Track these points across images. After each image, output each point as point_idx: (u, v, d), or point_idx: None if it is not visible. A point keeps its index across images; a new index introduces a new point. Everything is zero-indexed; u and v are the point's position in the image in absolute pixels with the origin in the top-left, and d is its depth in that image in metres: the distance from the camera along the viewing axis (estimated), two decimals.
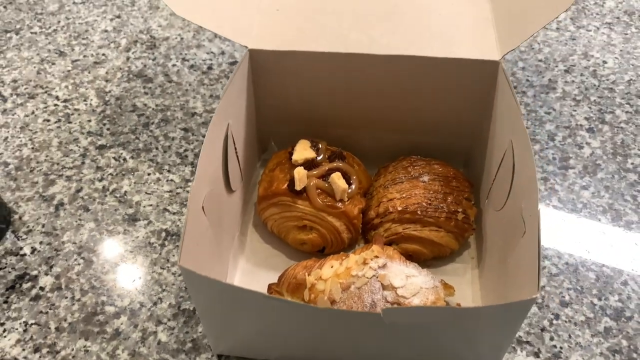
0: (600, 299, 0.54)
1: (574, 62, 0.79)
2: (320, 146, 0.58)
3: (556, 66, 0.78)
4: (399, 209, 0.54)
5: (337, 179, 0.54)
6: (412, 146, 0.62)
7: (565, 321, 0.53)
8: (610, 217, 0.61)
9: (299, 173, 0.54)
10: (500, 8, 0.57)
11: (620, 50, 0.80)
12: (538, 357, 0.50)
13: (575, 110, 0.72)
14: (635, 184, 0.64)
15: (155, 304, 0.54)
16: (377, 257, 0.49)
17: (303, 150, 0.57)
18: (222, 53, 0.81)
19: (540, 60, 0.79)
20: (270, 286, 0.53)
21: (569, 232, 0.59)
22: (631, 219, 0.61)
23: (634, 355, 0.50)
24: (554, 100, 0.74)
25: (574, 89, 0.75)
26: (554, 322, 0.52)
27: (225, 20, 0.56)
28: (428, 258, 0.56)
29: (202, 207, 0.45)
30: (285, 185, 0.55)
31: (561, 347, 0.51)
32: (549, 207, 0.62)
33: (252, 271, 0.56)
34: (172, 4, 0.52)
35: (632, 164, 0.66)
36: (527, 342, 0.51)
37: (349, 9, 0.59)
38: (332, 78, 0.57)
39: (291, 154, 0.57)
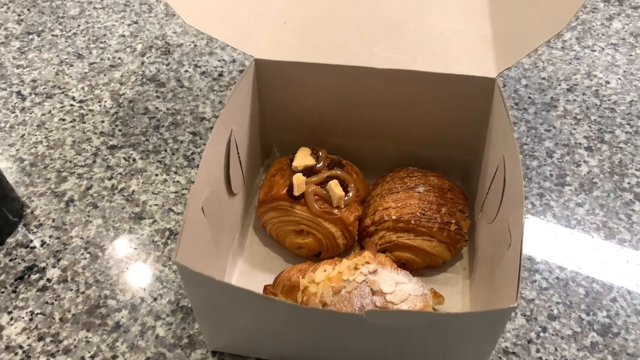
0: (588, 314, 0.55)
1: (576, 81, 0.80)
2: (320, 154, 0.60)
3: (559, 85, 0.80)
4: (394, 217, 0.56)
5: (334, 186, 0.56)
6: (411, 158, 0.64)
7: (552, 334, 0.54)
8: (603, 234, 0.62)
9: (298, 179, 0.56)
10: (499, 27, 0.59)
11: (624, 71, 0.81)
12: None
13: (575, 129, 0.73)
14: (630, 203, 0.65)
15: (155, 299, 0.56)
16: (368, 263, 0.50)
17: (303, 158, 0.59)
18: (233, 61, 0.84)
19: (543, 79, 0.81)
20: (265, 287, 0.55)
21: (562, 247, 0.61)
22: (624, 237, 0.62)
23: None
24: (554, 118, 0.75)
25: (575, 107, 0.76)
26: (541, 334, 0.54)
27: (234, 31, 0.58)
28: (420, 267, 0.57)
29: (202, 208, 0.47)
30: (285, 190, 0.57)
31: None
32: (543, 222, 0.63)
33: (249, 272, 0.58)
34: (183, 13, 0.55)
35: (628, 183, 0.67)
36: (513, 353, 0.52)
37: (354, 25, 0.61)
38: (334, 89, 0.60)
39: (292, 160, 0.59)
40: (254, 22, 0.60)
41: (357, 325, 0.39)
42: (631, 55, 0.84)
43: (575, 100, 0.77)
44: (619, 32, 0.88)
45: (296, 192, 0.56)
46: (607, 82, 0.80)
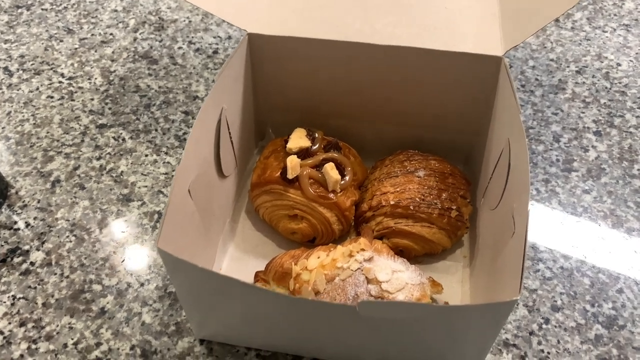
0: (593, 306, 0.53)
1: (586, 63, 0.77)
2: (316, 135, 0.57)
3: (567, 66, 0.76)
4: (392, 203, 0.54)
5: (330, 169, 0.53)
6: (412, 140, 0.61)
7: (555, 326, 0.51)
8: (610, 222, 0.59)
9: (292, 162, 0.53)
10: (507, 3, 0.56)
11: (636, 53, 0.78)
12: None
13: (583, 112, 0.70)
14: (639, 190, 0.62)
15: (142, 285, 0.54)
16: (363, 250, 0.48)
17: (298, 139, 0.56)
18: (229, 37, 0.80)
19: (551, 60, 0.77)
20: (257, 274, 0.52)
21: (567, 235, 0.58)
22: (632, 226, 0.59)
23: None
24: (562, 101, 0.72)
25: (584, 90, 0.73)
26: (544, 326, 0.51)
27: (227, 3, 0.55)
28: (419, 254, 0.55)
29: (189, 191, 0.45)
30: (278, 173, 0.54)
31: (549, 352, 0.50)
32: (548, 209, 0.60)
33: (240, 258, 0.56)
34: None
35: (638, 170, 0.64)
36: (514, 345, 0.50)
37: None
38: (332, 67, 0.57)
39: (287, 142, 0.57)
40: None
41: (350, 317, 0.37)
42: None
43: (584, 82, 0.74)
44: (632, 12, 0.85)
45: (290, 175, 0.53)
46: (619, 65, 0.77)
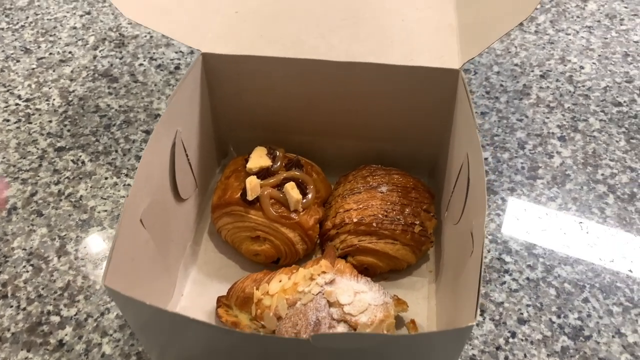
0: (559, 317, 0.53)
1: (550, 67, 0.77)
2: (277, 154, 0.56)
3: (532, 71, 0.76)
4: (355, 220, 0.53)
5: (290, 189, 0.52)
6: (375, 154, 0.60)
7: (522, 339, 0.51)
8: (576, 230, 0.59)
9: (251, 182, 0.52)
10: (464, 15, 0.55)
11: (599, 55, 0.78)
12: None
13: (548, 118, 0.70)
14: (603, 196, 0.62)
15: (102, 314, 0.53)
16: (324, 272, 0.47)
17: (258, 158, 0.55)
18: (192, 52, 0.79)
19: (516, 65, 0.77)
20: (219, 299, 0.51)
21: (532, 245, 0.58)
22: (597, 234, 0.59)
23: None
24: (527, 106, 0.72)
25: (548, 95, 0.73)
26: (510, 340, 0.51)
27: (179, 24, 0.54)
28: (384, 271, 0.54)
29: (141, 220, 0.44)
30: (239, 194, 0.53)
31: None
32: (514, 219, 0.60)
33: (203, 281, 0.55)
34: (120, 5, 0.50)
35: (602, 174, 0.64)
36: None
37: (310, 15, 0.57)
38: (290, 84, 0.56)
39: (247, 160, 0.56)
40: (202, 14, 0.56)
41: (307, 349, 0.36)
42: (606, 38, 0.81)
43: (548, 87, 0.74)
44: (594, 13, 0.85)
45: (250, 197, 0.52)
46: (582, 67, 0.77)
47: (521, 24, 0.83)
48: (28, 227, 0.59)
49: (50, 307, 0.53)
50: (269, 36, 0.55)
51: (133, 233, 0.42)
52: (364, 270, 0.53)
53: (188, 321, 0.35)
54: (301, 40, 0.54)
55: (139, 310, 0.37)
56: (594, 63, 0.77)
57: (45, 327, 0.52)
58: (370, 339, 0.34)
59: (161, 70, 0.76)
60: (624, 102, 0.72)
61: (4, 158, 0.65)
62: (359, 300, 0.46)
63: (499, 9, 0.52)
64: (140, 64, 0.77)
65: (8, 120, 0.70)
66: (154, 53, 0.79)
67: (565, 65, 0.77)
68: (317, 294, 0.46)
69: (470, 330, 0.35)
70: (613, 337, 0.51)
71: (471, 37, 0.53)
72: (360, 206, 0.54)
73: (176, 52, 0.79)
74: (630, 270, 0.56)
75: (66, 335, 0.51)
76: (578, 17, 0.85)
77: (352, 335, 0.37)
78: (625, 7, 0.86)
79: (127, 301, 0.36)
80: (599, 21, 0.84)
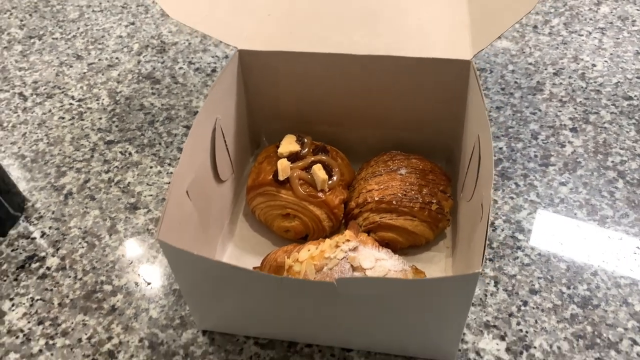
0: (569, 288, 0.56)
1: (563, 65, 0.81)
2: (305, 140, 0.62)
3: (545, 69, 0.81)
4: (376, 199, 0.58)
5: (317, 170, 0.58)
6: (395, 142, 0.65)
7: (533, 307, 0.55)
8: (586, 211, 0.63)
9: (282, 164, 0.58)
10: (475, 11, 0.60)
11: (611, 54, 0.82)
12: (504, 340, 0.53)
13: (560, 111, 0.74)
14: (613, 181, 0.66)
15: (149, 284, 0.58)
16: (348, 240, 0.52)
17: (288, 144, 0.61)
18: (226, 57, 0.86)
19: (530, 64, 0.82)
20: (254, 269, 0.57)
21: (545, 225, 0.62)
22: (606, 214, 0.63)
23: (597, 340, 0.52)
24: (540, 101, 0.76)
25: (561, 90, 0.77)
26: (522, 308, 0.55)
27: (217, 23, 0.60)
28: (404, 246, 0.59)
29: (187, 192, 0.50)
30: (271, 176, 0.59)
31: (527, 332, 0.53)
32: (527, 202, 0.64)
33: (239, 256, 0.60)
34: (165, 5, 0.57)
35: (612, 162, 0.68)
36: (494, 326, 0.54)
37: (334, 15, 0.63)
38: (317, 77, 0.62)
39: (278, 147, 0.61)
40: (237, 15, 0.62)
41: (331, 295, 0.41)
42: (618, 39, 0.85)
43: (561, 83, 0.78)
44: (607, 16, 0.89)
45: (281, 177, 0.58)
46: (594, 65, 0.81)
47: (535, 26, 0.88)
48: (83, 209, 0.66)
49: (103, 278, 0.59)
50: (297, 34, 0.61)
51: (180, 202, 0.48)
52: (386, 246, 0.58)
53: (232, 269, 0.40)
54: (326, 37, 0.60)
55: (188, 261, 0.43)
56: (605, 61, 0.81)
57: (99, 294, 0.58)
58: (389, 284, 0.39)
59: (199, 72, 0.83)
60: (635, 96, 0.76)
61: (60, 150, 0.73)
62: (380, 265, 0.51)
63: (504, 3, 0.57)
64: (180, 68, 0.84)
65: (63, 118, 0.77)
66: (192, 58, 0.86)
67: (578, 64, 0.81)
68: (342, 259, 0.51)
69: (477, 276, 0.39)
70: (620, 306, 0.54)
71: (481, 30, 0.58)
72: (381, 187, 0.59)
73: (212, 57, 0.86)
74: (638, 247, 0.59)
75: (117, 301, 0.57)
76: (591, 19, 0.89)
77: (374, 280, 0.42)
78: (638, 10, 0.90)
79: (178, 254, 0.42)
80: (611, 23, 0.88)
